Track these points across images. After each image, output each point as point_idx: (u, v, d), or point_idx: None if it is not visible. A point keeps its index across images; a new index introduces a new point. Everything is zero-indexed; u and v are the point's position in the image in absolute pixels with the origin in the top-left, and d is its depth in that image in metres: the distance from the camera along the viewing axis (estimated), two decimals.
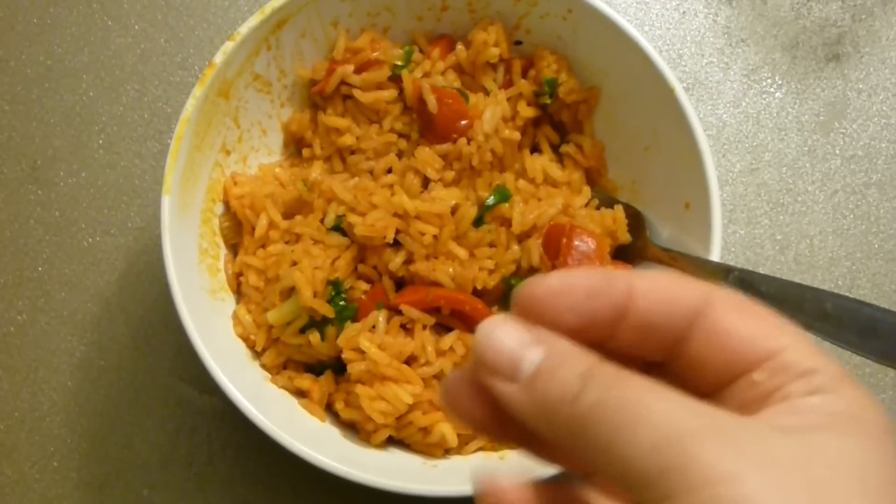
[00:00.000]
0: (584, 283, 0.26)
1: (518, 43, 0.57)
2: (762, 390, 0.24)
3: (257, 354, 0.52)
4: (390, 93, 0.55)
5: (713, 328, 0.25)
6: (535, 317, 0.26)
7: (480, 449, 0.51)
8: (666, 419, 0.22)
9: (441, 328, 0.52)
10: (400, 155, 0.55)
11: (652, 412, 0.22)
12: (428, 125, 0.54)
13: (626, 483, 0.22)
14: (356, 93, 0.55)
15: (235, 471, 0.56)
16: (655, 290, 0.25)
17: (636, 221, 0.54)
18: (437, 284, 0.51)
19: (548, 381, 0.24)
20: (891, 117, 0.65)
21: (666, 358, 0.26)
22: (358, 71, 0.55)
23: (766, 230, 0.63)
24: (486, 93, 0.56)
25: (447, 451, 0.51)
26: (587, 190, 0.56)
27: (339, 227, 0.51)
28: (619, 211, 0.54)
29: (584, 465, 0.24)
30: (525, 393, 0.25)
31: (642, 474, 0.22)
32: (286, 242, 0.52)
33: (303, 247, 0.51)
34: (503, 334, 0.26)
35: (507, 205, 0.53)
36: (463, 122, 0.53)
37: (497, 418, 0.27)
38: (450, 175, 0.53)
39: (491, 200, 0.53)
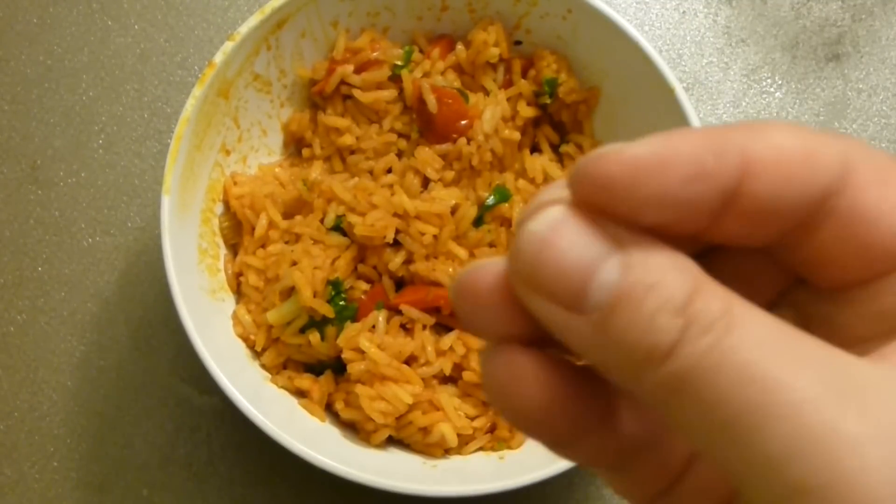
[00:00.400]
0: (685, 158, 0.17)
1: (518, 43, 0.57)
2: None
3: (257, 354, 0.52)
4: (390, 93, 0.55)
5: (851, 209, 0.17)
6: (603, 209, 0.17)
7: (480, 449, 0.51)
8: (811, 409, 0.15)
9: (441, 328, 0.52)
10: (400, 155, 0.55)
11: (791, 393, 0.15)
12: (428, 125, 0.54)
13: (737, 482, 0.16)
14: (356, 93, 0.55)
15: (235, 471, 0.56)
16: (779, 160, 0.17)
17: None
18: (437, 284, 0.51)
19: (629, 318, 0.16)
20: (891, 117, 0.65)
21: (773, 245, 0.18)
22: (358, 71, 0.55)
23: None
24: (486, 93, 0.56)
25: (447, 451, 0.51)
26: None
27: (338, 227, 0.51)
28: None
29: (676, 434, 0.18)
30: (594, 333, 0.17)
31: (765, 485, 0.15)
32: (286, 242, 0.52)
33: (303, 247, 0.51)
34: (567, 239, 0.17)
35: (507, 205, 0.53)
36: (463, 122, 0.53)
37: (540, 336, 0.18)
38: (450, 175, 0.53)
39: (491, 200, 0.53)
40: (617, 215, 0.17)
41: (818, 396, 0.15)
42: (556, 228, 0.17)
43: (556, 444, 0.19)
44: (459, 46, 0.56)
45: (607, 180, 0.17)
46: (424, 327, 0.51)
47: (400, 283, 0.52)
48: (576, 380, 0.18)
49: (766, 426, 0.15)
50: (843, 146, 0.18)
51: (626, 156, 0.17)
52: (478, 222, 0.52)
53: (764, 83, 0.66)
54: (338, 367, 0.51)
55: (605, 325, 0.16)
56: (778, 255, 0.19)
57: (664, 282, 0.16)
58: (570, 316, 0.17)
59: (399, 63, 0.55)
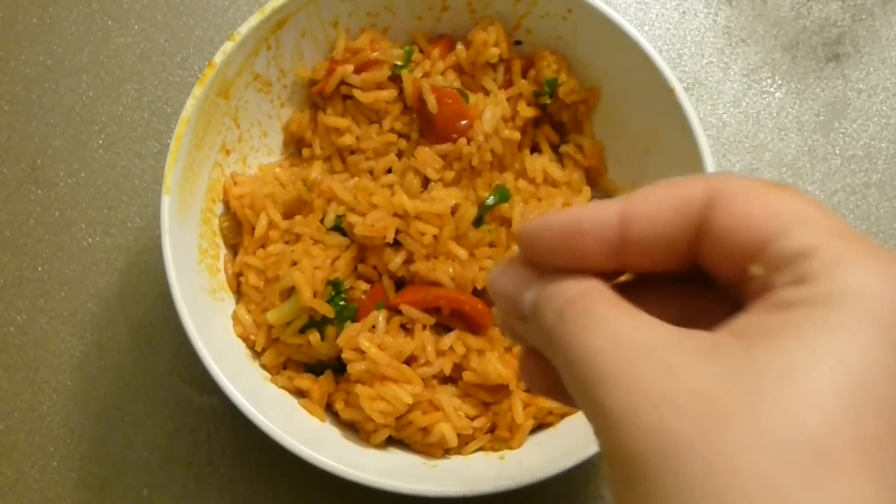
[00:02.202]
0: (556, 224, 0.25)
1: (518, 43, 0.57)
2: (761, 286, 0.22)
3: (257, 354, 0.52)
4: (390, 93, 0.55)
5: (719, 225, 0.23)
6: (536, 256, 0.26)
7: (480, 449, 0.51)
8: (593, 358, 0.22)
9: (441, 328, 0.52)
10: (400, 155, 0.55)
11: (587, 346, 0.22)
12: (428, 125, 0.54)
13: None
14: (356, 93, 0.55)
15: (235, 471, 0.56)
16: (650, 211, 0.24)
17: None
18: (437, 284, 0.51)
19: (538, 317, 0.25)
20: (891, 117, 0.65)
21: (693, 265, 0.24)
22: (358, 71, 0.55)
23: None
24: (486, 93, 0.56)
25: (447, 451, 0.51)
26: (587, 190, 0.56)
27: (339, 227, 0.51)
28: None
29: None
30: (530, 329, 0.26)
31: (582, 407, 0.23)
32: (286, 242, 0.52)
33: (303, 247, 0.51)
34: (504, 279, 0.26)
35: (507, 205, 0.53)
36: (463, 122, 0.53)
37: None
38: (450, 175, 0.53)
39: (491, 200, 0.53)
40: (541, 262, 0.26)
41: (600, 349, 0.22)
42: (498, 273, 0.27)
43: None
44: (459, 46, 0.56)
45: (521, 241, 0.26)
46: (424, 327, 0.51)
47: (400, 283, 0.52)
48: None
49: (572, 374, 0.22)
50: (715, 182, 0.23)
51: (527, 226, 0.26)
52: (478, 222, 0.52)
53: (764, 83, 0.66)
54: (338, 367, 0.51)
55: (533, 324, 0.25)
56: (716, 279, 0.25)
57: (553, 296, 0.24)
58: (521, 323, 0.26)
59: (399, 63, 0.55)
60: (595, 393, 0.21)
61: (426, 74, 0.55)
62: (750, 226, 0.22)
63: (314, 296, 0.49)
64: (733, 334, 0.21)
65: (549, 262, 0.25)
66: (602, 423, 0.21)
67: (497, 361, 0.50)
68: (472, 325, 0.51)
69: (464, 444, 0.51)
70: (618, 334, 0.22)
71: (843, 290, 0.20)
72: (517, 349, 0.52)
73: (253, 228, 0.53)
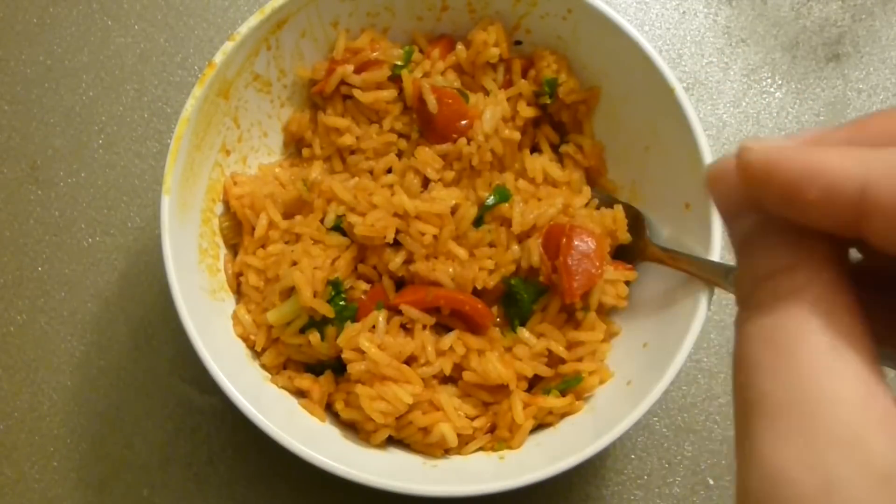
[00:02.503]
0: (786, 169, 0.21)
1: (518, 43, 0.57)
2: None
3: (257, 354, 0.52)
4: (390, 93, 0.55)
5: None
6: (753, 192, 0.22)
7: (480, 449, 0.51)
8: (764, 402, 0.19)
9: (441, 328, 0.52)
10: (400, 155, 0.55)
11: (766, 379, 0.19)
12: (428, 125, 0.54)
13: None
14: (356, 93, 0.55)
15: (235, 471, 0.56)
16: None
17: (636, 221, 0.54)
18: (437, 284, 0.51)
19: (736, 279, 0.22)
20: None
21: None
22: (358, 71, 0.55)
23: None
24: (486, 93, 0.56)
25: (447, 451, 0.51)
26: (587, 190, 0.56)
27: (339, 227, 0.51)
28: (619, 211, 0.54)
29: None
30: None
31: (736, 437, 0.20)
32: (286, 242, 0.52)
33: (303, 247, 0.51)
34: (717, 193, 0.23)
35: (507, 205, 0.53)
36: (463, 122, 0.53)
37: None
38: (450, 175, 0.53)
39: (491, 200, 0.53)
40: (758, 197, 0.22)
41: (783, 379, 0.19)
42: (713, 183, 0.23)
43: None
44: (459, 46, 0.56)
45: (743, 169, 0.22)
46: (424, 327, 0.51)
47: (400, 283, 0.52)
48: None
49: (742, 389, 0.20)
50: None
51: (758, 156, 0.22)
52: (478, 222, 0.52)
53: (764, 83, 0.66)
54: (338, 367, 0.51)
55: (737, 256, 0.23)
56: None
57: (755, 274, 0.21)
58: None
59: (399, 63, 0.55)
60: (747, 460, 0.18)
61: (426, 74, 0.55)
62: None
63: (314, 296, 0.49)
64: None
65: (765, 203, 0.22)
66: (741, 498, 0.18)
67: (497, 361, 0.50)
68: (472, 325, 0.51)
69: (464, 444, 0.51)
70: (798, 386, 0.18)
71: None
72: (517, 349, 0.52)
73: (253, 228, 0.53)
